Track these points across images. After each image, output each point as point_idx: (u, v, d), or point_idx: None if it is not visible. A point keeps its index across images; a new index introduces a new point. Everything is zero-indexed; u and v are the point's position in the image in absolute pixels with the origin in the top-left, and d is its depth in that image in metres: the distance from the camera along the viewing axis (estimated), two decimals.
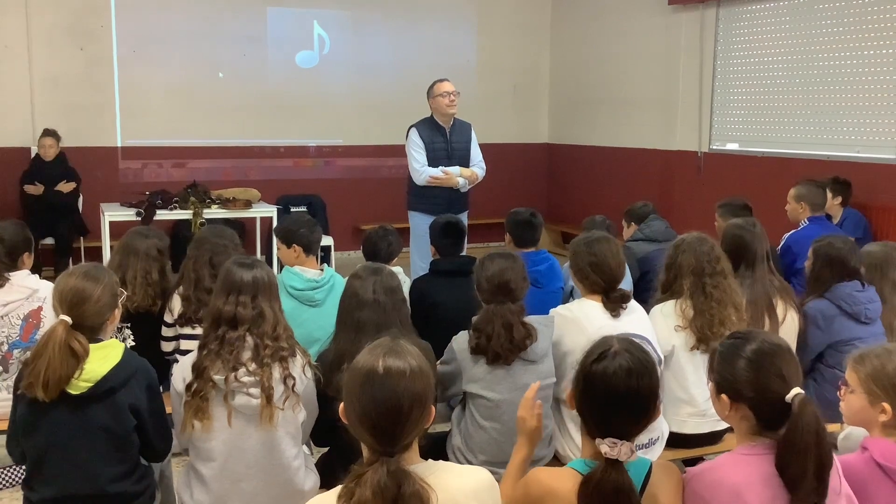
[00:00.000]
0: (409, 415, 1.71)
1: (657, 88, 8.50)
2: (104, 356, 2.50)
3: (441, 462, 1.83)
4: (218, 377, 2.54)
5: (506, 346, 2.84)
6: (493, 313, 2.88)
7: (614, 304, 2.99)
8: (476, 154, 5.85)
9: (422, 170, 5.58)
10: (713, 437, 3.18)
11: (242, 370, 2.55)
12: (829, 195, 5.61)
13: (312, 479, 2.74)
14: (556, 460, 3.04)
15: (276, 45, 9.09)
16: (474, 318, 2.96)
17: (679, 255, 3.21)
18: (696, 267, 3.15)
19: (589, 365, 1.92)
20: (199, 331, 3.42)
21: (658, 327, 3.13)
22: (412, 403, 1.72)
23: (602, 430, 1.86)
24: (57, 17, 8.19)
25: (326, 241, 7.90)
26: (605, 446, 1.82)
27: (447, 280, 3.96)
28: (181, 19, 8.64)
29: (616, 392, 1.87)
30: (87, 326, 2.51)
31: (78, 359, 2.43)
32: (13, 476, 3.77)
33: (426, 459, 1.83)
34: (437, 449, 2.95)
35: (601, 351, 1.92)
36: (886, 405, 2.17)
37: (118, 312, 2.65)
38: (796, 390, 1.90)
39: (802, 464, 1.84)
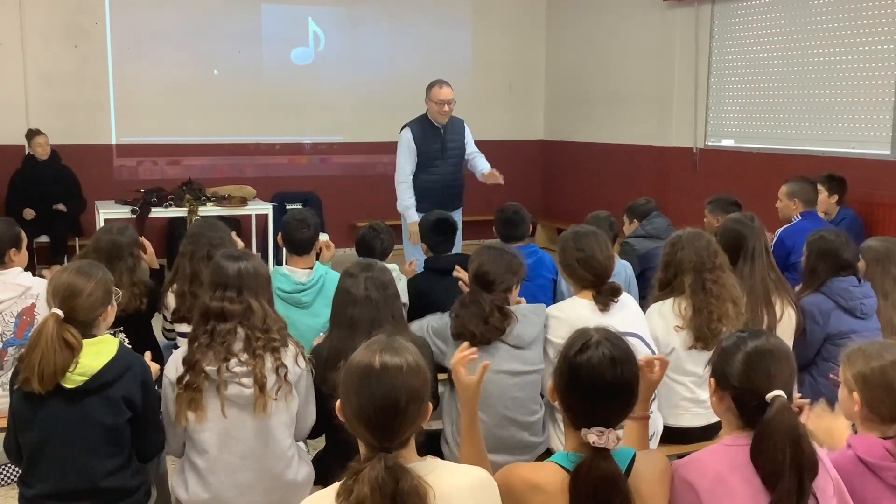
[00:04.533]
0: (406, 411, 1.72)
1: (652, 85, 8.51)
2: (99, 351, 2.51)
3: (438, 460, 1.83)
4: (210, 368, 2.55)
5: (481, 327, 2.89)
6: (469, 301, 2.96)
7: (605, 297, 2.99)
8: (471, 148, 5.87)
9: (403, 182, 5.58)
10: (708, 432, 3.18)
11: (234, 360, 2.57)
12: (825, 193, 5.61)
13: (306, 470, 2.75)
14: (549, 451, 3.06)
15: (271, 41, 9.08)
16: (453, 306, 3.02)
17: (678, 251, 3.19)
18: (696, 263, 3.13)
19: (572, 356, 1.93)
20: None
21: (656, 327, 3.13)
22: (409, 399, 1.72)
23: (588, 420, 1.87)
24: (51, 14, 8.16)
25: (321, 237, 7.88)
26: (593, 435, 1.83)
27: (443, 278, 3.95)
28: (176, 16, 8.62)
29: (601, 381, 1.89)
30: (79, 321, 2.52)
31: (72, 350, 2.44)
32: (10, 473, 3.77)
33: (423, 457, 1.83)
34: (431, 444, 2.94)
35: (582, 342, 1.94)
36: (856, 395, 2.20)
37: (112, 310, 2.65)
38: (777, 392, 1.92)
39: (776, 464, 1.87)
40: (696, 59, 7.93)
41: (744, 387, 1.96)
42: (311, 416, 2.80)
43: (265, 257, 7.45)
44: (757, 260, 3.57)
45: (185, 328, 3.52)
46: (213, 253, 3.43)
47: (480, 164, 5.85)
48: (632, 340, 2.92)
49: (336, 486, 1.73)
